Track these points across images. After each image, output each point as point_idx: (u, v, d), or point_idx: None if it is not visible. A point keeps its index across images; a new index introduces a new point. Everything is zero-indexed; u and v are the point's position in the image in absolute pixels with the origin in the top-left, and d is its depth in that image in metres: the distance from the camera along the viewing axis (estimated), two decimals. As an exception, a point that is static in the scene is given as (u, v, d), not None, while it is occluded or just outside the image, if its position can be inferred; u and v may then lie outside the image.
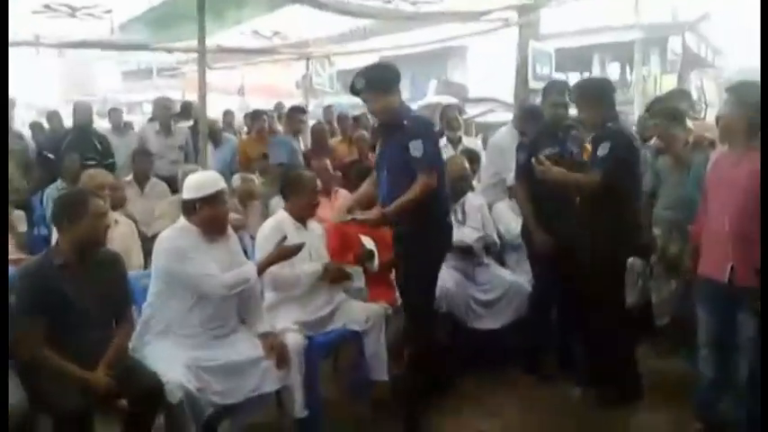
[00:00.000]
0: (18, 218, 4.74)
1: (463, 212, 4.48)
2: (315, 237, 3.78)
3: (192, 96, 13.42)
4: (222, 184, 3.27)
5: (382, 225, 3.49)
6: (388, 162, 3.55)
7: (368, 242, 3.80)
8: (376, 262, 3.81)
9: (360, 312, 3.68)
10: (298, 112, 6.82)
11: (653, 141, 4.76)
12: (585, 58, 17.61)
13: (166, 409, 2.88)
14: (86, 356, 2.80)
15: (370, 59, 8.68)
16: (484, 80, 17.49)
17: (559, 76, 8.93)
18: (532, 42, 8.47)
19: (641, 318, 4.35)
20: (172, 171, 5.71)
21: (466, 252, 4.37)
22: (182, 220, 3.24)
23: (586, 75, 15.27)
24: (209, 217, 3.19)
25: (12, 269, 3.09)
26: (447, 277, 4.13)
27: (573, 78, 8.84)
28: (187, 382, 2.85)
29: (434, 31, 9.46)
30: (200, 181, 3.27)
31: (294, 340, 3.31)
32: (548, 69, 8.67)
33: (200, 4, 4.85)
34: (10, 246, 4.06)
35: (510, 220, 4.70)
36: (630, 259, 4.11)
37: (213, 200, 3.18)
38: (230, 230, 3.43)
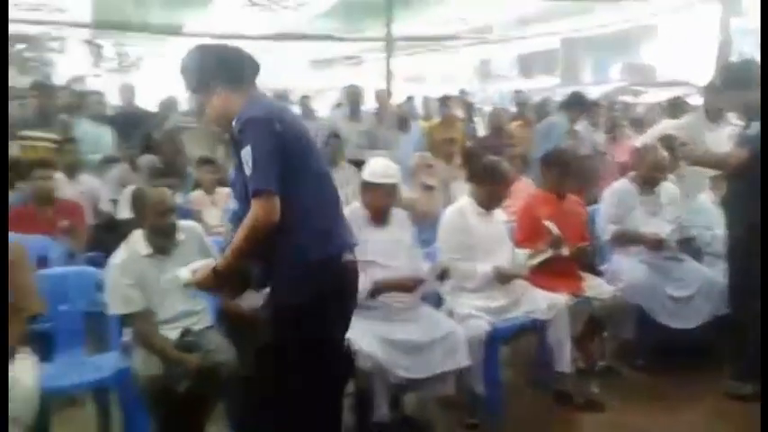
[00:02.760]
0: (225, 194, 5.26)
1: (657, 203, 4.24)
2: (499, 224, 3.79)
3: (375, 84, 14.00)
4: (391, 180, 3.41)
5: (216, 286, 2.38)
6: (233, 189, 2.60)
7: (554, 228, 3.72)
8: (565, 249, 3.74)
9: (543, 301, 3.63)
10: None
11: None
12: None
13: (357, 377, 3.05)
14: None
15: (550, 43, 8.43)
16: (676, 61, 16.26)
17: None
18: (734, 19, 7.73)
19: None
20: (358, 155, 6.00)
21: (658, 246, 4.13)
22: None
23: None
24: (370, 203, 3.41)
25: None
26: (637, 270, 4.01)
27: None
28: (375, 353, 3.03)
29: (620, 10, 8.94)
30: (375, 167, 3.47)
31: (476, 327, 3.37)
32: (750, 48, 7.86)
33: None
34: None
35: (711, 213, 4.36)
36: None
37: (377, 189, 3.37)
38: (402, 218, 3.57)
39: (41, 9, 6.32)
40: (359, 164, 5.69)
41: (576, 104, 6.14)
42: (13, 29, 9.24)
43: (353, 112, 6.57)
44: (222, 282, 2.30)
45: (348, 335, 3.03)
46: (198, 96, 2.41)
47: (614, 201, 4.27)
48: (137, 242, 3.12)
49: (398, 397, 3.36)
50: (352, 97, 6.71)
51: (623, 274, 4.04)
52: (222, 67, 2.35)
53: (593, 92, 10.24)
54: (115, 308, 3.09)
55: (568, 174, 4.09)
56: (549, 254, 3.70)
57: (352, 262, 2.44)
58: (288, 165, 2.22)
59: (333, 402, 2.47)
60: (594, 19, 9.33)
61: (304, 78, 25.03)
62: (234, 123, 2.26)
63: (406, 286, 3.36)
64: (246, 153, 2.18)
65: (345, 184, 5.51)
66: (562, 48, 22.15)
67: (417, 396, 3.41)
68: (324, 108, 10.76)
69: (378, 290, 3.27)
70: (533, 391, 3.86)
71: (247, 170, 2.18)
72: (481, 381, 3.38)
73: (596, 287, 3.93)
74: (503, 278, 3.63)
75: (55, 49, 17.42)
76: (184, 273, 2.34)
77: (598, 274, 4.19)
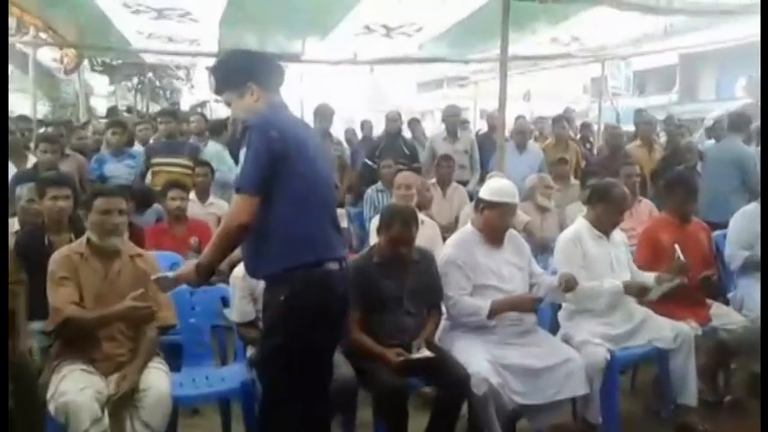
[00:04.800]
0: (340, 215, 5.42)
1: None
2: (617, 247, 3.68)
3: (483, 104, 13.98)
4: (511, 199, 3.37)
5: (197, 279, 2.45)
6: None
7: (680, 254, 3.55)
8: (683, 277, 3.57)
9: (667, 330, 3.47)
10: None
11: None
12: None
13: (471, 401, 3.05)
14: (399, 339, 3.15)
15: (669, 59, 8.07)
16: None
17: None
18: None
19: None
20: (459, 176, 6.05)
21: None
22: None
23: None
24: (486, 223, 3.38)
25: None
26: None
27: None
28: (491, 377, 3.00)
29: (743, 24, 8.41)
30: (496, 187, 3.45)
31: (595, 354, 3.27)
32: None
33: (505, 16, 5.02)
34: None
35: None
36: None
37: (495, 208, 3.34)
38: (517, 240, 3.53)
39: (177, 41, 6.80)
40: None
41: (746, 125, 5.76)
42: (150, 59, 10.05)
43: (450, 132, 6.59)
44: (203, 275, 2.44)
45: (463, 358, 3.10)
46: (229, 94, 2.56)
47: (745, 225, 4.01)
48: None
49: (512, 423, 3.30)
50: (451, 118, 6.74)
51: (753, 303, 3.79)
52: (257, 69, 2.55)
53: (714, 109, 9.72)
54: (233, 317, 3.31)
55: (694, 197, 3.92)
56: (676, 282, 3.51)
57: (334, 270, 2.47)
58: (278, 171, 2.34)
59: (311, 411, 2.51)
60: (716, 34, 8.83)
61: (412, 100, 25.50)
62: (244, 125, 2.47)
63: (524, 306, 3.31)
64: (242, 154, 2.36)
65: (456, 202, 5.57)
66: (680, 64, 21.20)
67: (531, 423, 3.32)
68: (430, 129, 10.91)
69: (494, 311, 3.25)
70: (653, 424, 3.67)
71: (238, 168, 2.39)
72: (598, 410, 3.28)
73: (724, 316, 3.74)
74: (634, 291, 3.51)
75: (181, 78, 18.66)
76: (175, 271, 2.53)
77: (725, 301, 3.97)
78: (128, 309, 2.80)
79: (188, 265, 2.49)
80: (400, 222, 3.18)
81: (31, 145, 5.52)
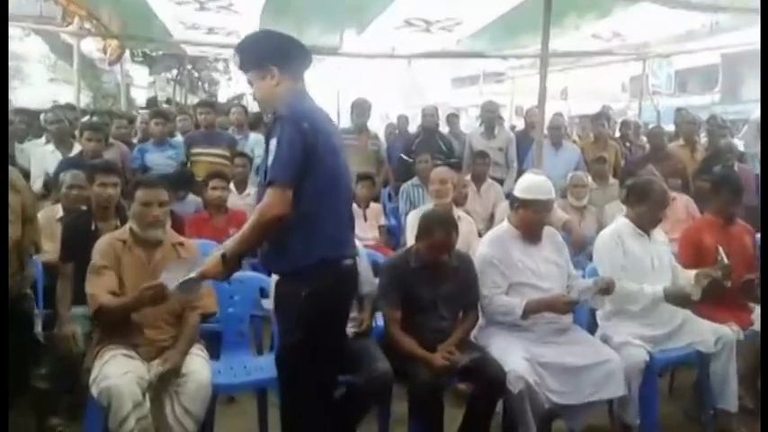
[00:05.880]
0: (376, 210, 5.45)
1: None
2: (659, 246, 3.61)
3: (520, 101, 13.85)
4: (546, 196, 3.34)
5: (224, 272, 2.41)
6: (258, 175, 2.73)
7: (724, 255, 3.48)
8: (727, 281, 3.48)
9: (708, 333, 3.41)
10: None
11: None
12: None
13: (506, 399, 3.04)
14: (432, 341, 3.15)
15: (711, 58, 7.89)
16: None
17: None
18: None
19: None
20: (493, 173, 6.01)
21: None
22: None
23: None
24: (522, 221, 3.36)
25: (378, 254, 3.65)
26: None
27: None
28: (528, 375, 2.97)
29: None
30: (530, 183, 3.42)
31: (634, 355, 3.22)
32: None
33: (547, 11, 4.96)
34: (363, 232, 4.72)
35: None
36: None
37: (531, 205, 3.31)
38: (555, 237, 3.50)
39: (218, 32, 6.85)
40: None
41: None
42: (190, 51, 10.16)
43: (487, 128, 6.54)
44: (230, 268, 2.39)
45: (499, 355, 3.08)
46: (251, 75, 2.53)
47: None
48: None
49: (547, 423, 3.27)
50: (488, 114, 6.68)
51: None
52: (282, 53, 2.49)
53: (755, 110, 9.45)
54: (269, 305, 3.31)
55: (739, 198, 3.83)
56: (718, 275, 3.38)
57: (350, 266, 2.51)
58: (307, 164, 2.32)
59: (320, 403, 2.51)
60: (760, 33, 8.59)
61: (447, 96, 25.39)
62: (271, 114, 2.42)
63: (559, 308, 3.27)
64: (273, 144, 2.33)
65: (490, 199, 5.54)
66: (723, 63, 20.68)
67: (566, 423, 3.29)
68: (464, 126, 10.83)
69: (528, 311, 3.22)
70: (692, 428, 3.62)
71: (269, 159, 2.33)
72: (636, 412, 3.24)
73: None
74: (674, 299, 3.45)
75: (219, 70, 18.88)
76: (197, 271, 2.43)
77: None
78: (140, 293, 2.73)
79: (212, 258, 2.40)
80: (441, 230, 3.15)
81: (76, 133, 5.63)
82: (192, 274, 2.42)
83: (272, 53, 2.48)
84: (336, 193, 2.46)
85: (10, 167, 3.17)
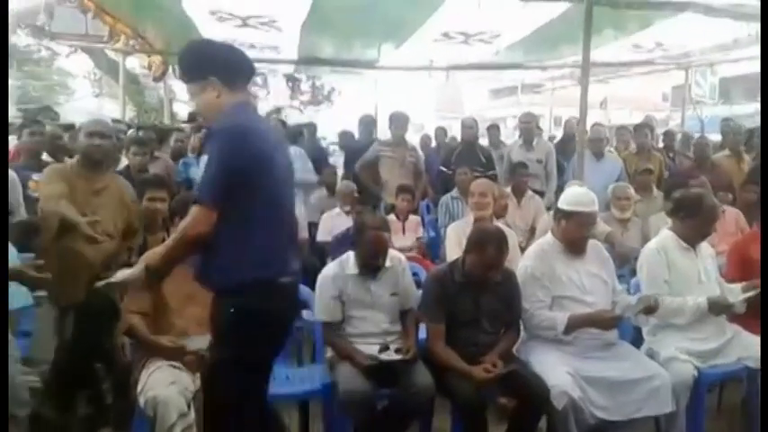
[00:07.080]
0: (416, 223, 5.46)
1: None
2: (705, 259, 3.54)
3: (558, 111, 13.75)
4: (590, 208, 3.30)
5: (145, 284, 2.42)
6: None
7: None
8: None
9: (758, 348, 3.31)
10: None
11: None
12: None
13: (550, 414, 3.00)
14: (474, 354, 3.14)
15: (755, 66, 7.71)
16: None
17: None
18: None
19: None
20: (532, 185, 5.94)
21: None
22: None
23: None
24: (566, 233, 3.32)
25: (419, 267, 3.70)
26: None
27: None
28: (571, 390, 2.94)
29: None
30: (574, 195, 3.39)
31: (683, 371, 3.16)
32: None
33: (587, 23, 4.93)
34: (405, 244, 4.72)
35: None
36: None
37: (574, 217, 3.28)
38: (599, 250, 3.46)
39: (257, 48, 6.99)
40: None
41: None
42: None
43: (526, 140, 6.50)
44: (153, 278, 2.36)
45: (542, 370, 3.04)
46: (192, 87, 2.43)
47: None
48: (349, 261, 3.35)
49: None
50: (525, 125, 6.64)
51: None
52: (223, 63, 2.39)
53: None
54: (318, 314, 3.36)
55: (789, 211, 3.72)
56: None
57: (287, 284, 2.42)
58: (238, 185, 2.23)
59: (240, 419, 2.42)
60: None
61: (485, 107, 25.34)
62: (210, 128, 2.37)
63: (603, 324, 3.22)
64: (203, 161, 2.25)
65: (530, 211, 5.50)
66: (768, 71, 20.12)
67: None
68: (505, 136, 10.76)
69: (571, 326, 3.18)
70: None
71: (199, 177, 2.21)
72: (683, 429, 3.17)
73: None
74: (718, 309, 3.37)
75: (258, 84, 19.15)
76: (119, 275, 2.37)
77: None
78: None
79: (136, 267, 2.34)
80: (494, 247, 3.13)
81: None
82: (113, 279, 2.38)
83: (212, 64, 2.39)
84: (272, 211, 2.36)
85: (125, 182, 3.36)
